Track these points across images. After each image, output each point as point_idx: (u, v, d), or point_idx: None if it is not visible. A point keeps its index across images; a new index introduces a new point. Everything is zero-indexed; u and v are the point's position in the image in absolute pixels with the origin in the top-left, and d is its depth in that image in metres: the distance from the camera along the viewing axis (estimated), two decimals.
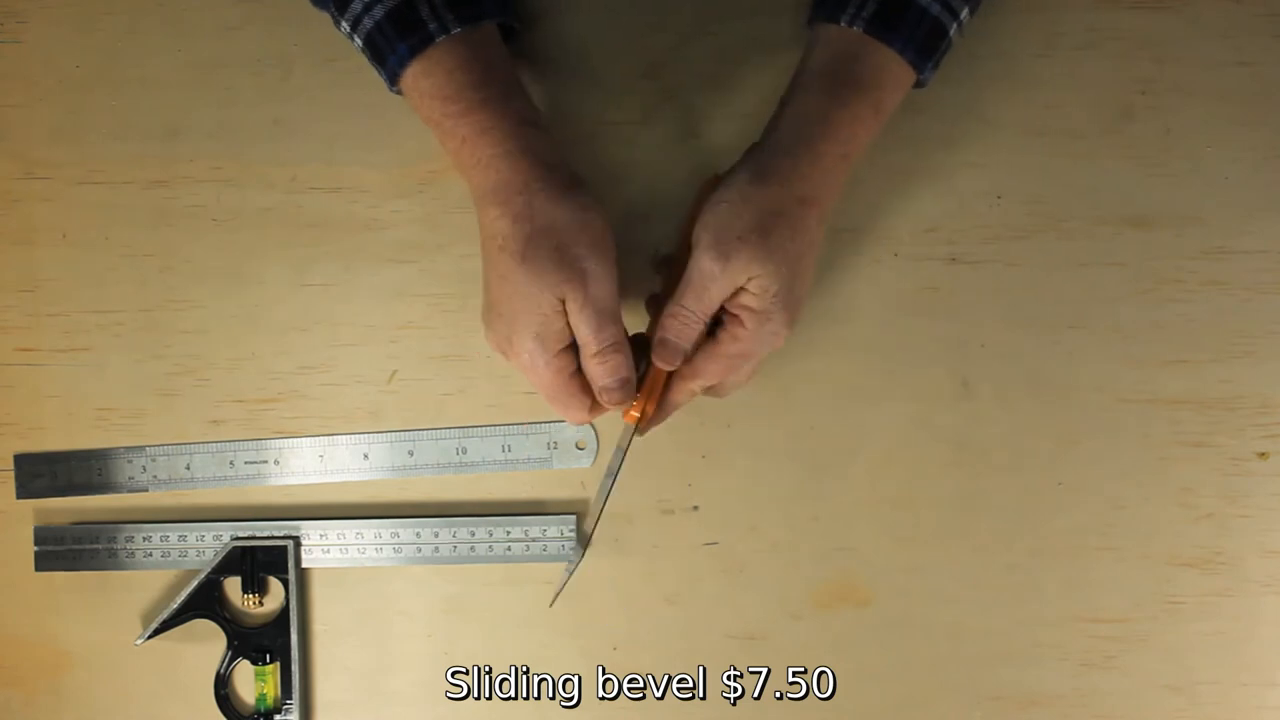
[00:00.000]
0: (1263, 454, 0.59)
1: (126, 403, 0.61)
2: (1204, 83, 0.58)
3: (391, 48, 0.50)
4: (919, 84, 0.52)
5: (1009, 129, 0.58)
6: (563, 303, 0.49)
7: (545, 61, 0.59)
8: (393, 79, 0.51)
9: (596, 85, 0.59)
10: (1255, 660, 0.59)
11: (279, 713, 0.61)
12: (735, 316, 0.51)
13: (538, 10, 0.58)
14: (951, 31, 0.51)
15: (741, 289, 0.50)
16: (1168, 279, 0.58)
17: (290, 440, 0.61)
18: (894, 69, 0.50)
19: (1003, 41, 0.58)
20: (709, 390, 0.54)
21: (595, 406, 0.52)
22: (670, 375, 0.53)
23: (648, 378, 0.53)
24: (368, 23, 0.50)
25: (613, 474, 0.55)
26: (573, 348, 0.51)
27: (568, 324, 0.50)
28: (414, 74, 0.50)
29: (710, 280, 0.49)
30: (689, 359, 0.52)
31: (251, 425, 0.61)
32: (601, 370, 0.50)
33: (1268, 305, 0.58)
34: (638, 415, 0.53)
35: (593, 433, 0.60)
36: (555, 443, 0.60)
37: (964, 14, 0.51)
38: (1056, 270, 0.58)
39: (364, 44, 0.51)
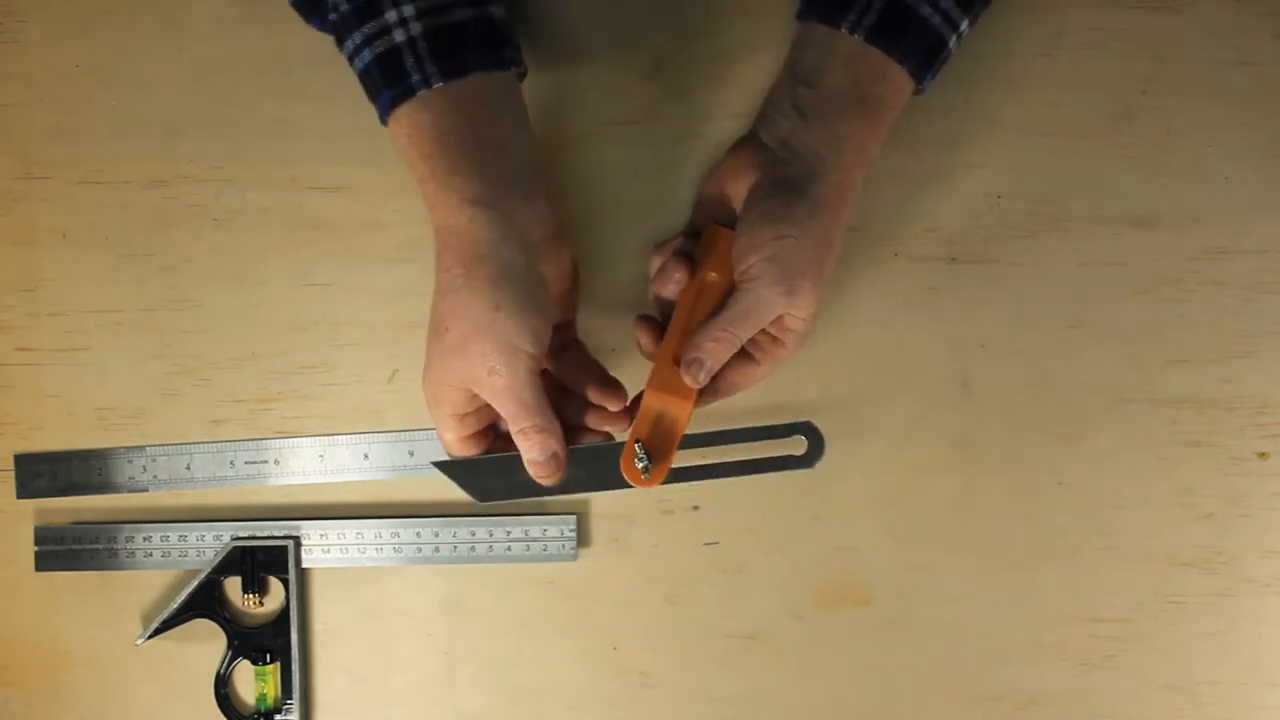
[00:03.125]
0: (1263, 454, 0.59)
1: (126, 403, 0.61)
2: (1204, 83, 0.58)
3: (377, 93, 0.49)
4: (917, 92, 0.52)
5: (1009, 129, 0.58)
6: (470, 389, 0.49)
7: (545, 61, 0.59)
8: (383, 121, 0.51)
9: (596, 85, 0.59)
10: (1255, 660, 0.59)
11: (279, 713, 0.61)
12: (777, 339, 0.53)
13: (539, 10, 0.58)
14: (951, 43, 0.51)
15: (787, 314, 0.51)
16: (1168, 279, 0.58)
17: (290, 440, 0.61)
18: (902, 82, 0.51)
19: (1003, 41, 0.58)
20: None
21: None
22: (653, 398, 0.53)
23: (641, 419, 0.53)
24: (358, 63, 0.50)
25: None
26: (486, 424, 0.52)
27: (480, 404, 0.50)
28: (392, 126, 0.50)
29: (771, 312, 0.51)
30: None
31: (251, 425, 0.61)
32: (526, 444, 0.50)
33: (1268, 305, 0.58)
34: (657, 480, 0.52)
35: None
36: None
37: (963, 26, 0.51)
38: (1056, 270, 0.58)
39: (358, 79, 0.51)
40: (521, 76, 0.51)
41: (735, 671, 0.60)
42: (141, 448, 0.61)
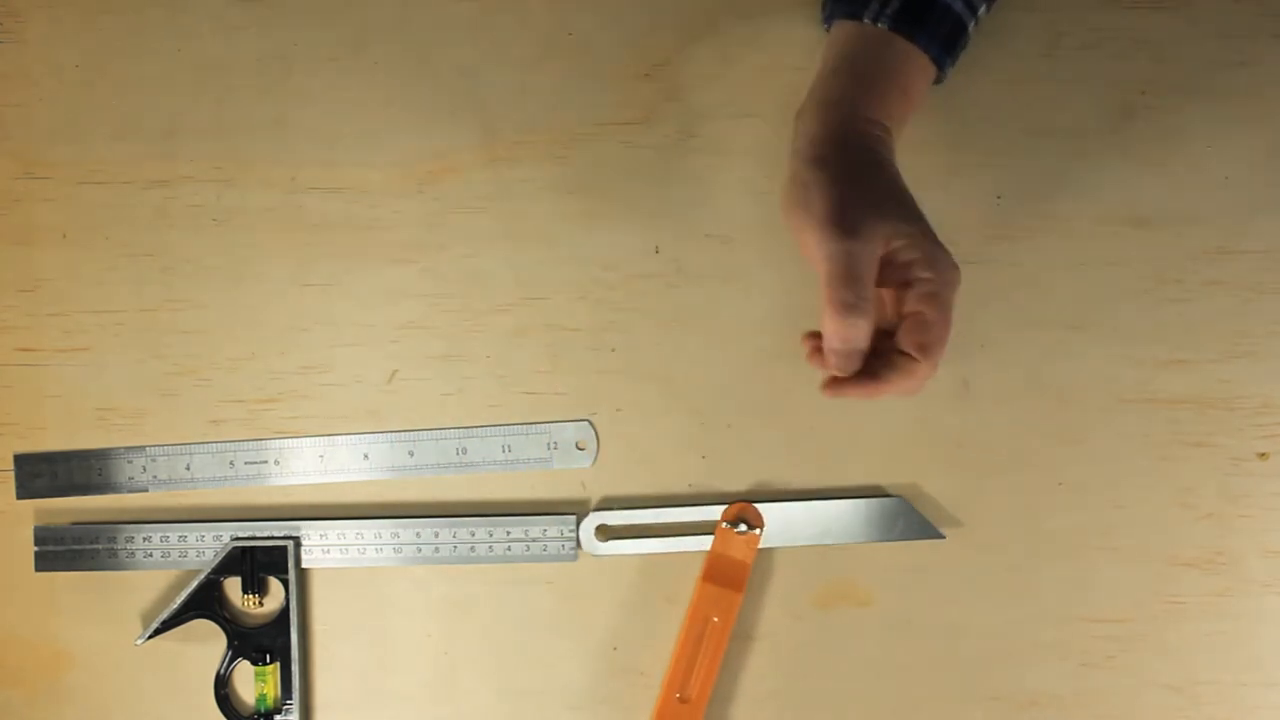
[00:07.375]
0: (1263, 454, 0.59)
1: (126, 403, 0.61)
2: (1204, 83, 0.58)
3: None
4: (937, 80, 0.52)
5: (1010, 128, 0.58)
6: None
7: (546, 60, 0.59)
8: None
9: (596, 85, 0.59)
10: (1255, 660, 0.59)
11: (279, 713, 0.61)
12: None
13: (539, 9, 0.58)
14: (970, 28, 0.51)
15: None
16: (1168, 279, 0.58)
17: (290, 440, 0.61)
18: (916, 58, 0.50)
19: (1003, 41, 0.58)
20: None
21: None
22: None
23: None
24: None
25: None
26: None
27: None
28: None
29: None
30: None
31: (251, 425, 0.61)
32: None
33: (1268, 305, 0.58)
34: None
35: (593, 432, 0.60)
36: (555, 443, 0.60)
37: (982, 10, 0.51)
38: (1056, 270, 0.58)
39: None
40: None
41: (735, 671, 0.60)
42: (141, 448, 0.61)
